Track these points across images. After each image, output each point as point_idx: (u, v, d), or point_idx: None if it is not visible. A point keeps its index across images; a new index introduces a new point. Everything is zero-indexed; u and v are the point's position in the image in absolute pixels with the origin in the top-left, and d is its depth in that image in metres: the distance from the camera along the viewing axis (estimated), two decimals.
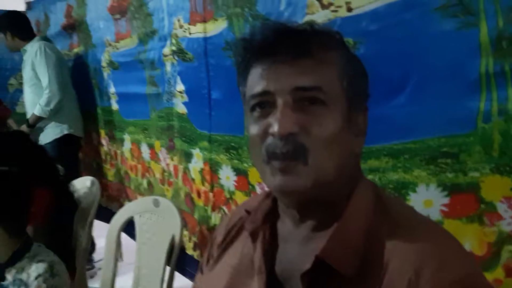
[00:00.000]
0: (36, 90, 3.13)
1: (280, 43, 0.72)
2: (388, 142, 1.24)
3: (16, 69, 3.98)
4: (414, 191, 1.21)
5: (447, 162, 1.12)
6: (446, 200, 1.14)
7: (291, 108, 0.70)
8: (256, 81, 0.74)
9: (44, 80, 3.05)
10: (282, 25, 0.75)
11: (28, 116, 3.22)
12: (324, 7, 1.36)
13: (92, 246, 3.21)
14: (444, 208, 1.15)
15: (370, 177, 1.26)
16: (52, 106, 3.05)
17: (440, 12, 1.09)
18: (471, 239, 1.09)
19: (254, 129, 0.74)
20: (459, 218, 1.12)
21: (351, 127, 0.74)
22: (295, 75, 0.71)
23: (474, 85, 1.06)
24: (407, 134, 1.19)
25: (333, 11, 1.34)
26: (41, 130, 3.16)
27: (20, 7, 4.39)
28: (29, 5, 4.27)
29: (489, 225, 1.08)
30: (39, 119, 3.10)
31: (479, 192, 1.08)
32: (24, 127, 3.11)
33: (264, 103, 0.73)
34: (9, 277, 1.41)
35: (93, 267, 3.23)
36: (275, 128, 0.69)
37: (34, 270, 1.39)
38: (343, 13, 1.31)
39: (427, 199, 1.18)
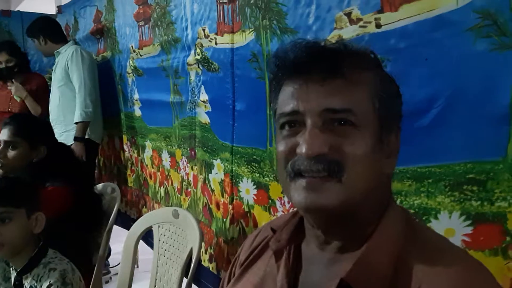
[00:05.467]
0: (65, 91, 3.18)
1: (312, 62, 0.71)
2: (412, 164, 1.20)
3: (44, 71, 4.06)
4: (436, 218, 1.16)
5: (473, 189, 1.08)
6: (469, 230, 1.10)
7: (320, 129, 0.69)
8: (287, 99, 0.73)
9: (78, 82, 3.10)
10: (315, 43, 0.74)
11: (51, 116, 3.27)
12: (352, 22, 1.34)
13: (108, 251, 3.23)
14: (466, 238, 1.10)
15: None
16: (91, 107, 3.09)
17: (473, 32, 1.05)
18: (493, 273, 1.03)
19: (281, 146, 0.74)
20: (482, 250, 1.07)
21: (383, 148, 0.73)
22: (325, 96, 0.69)
23: (505, 110, 1.02)
24: (432, 157, 1.15)
25: (361, 26, 1.32)
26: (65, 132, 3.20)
27: (51, 10, 4.48)
28: (59, 9, 4.36)
29: None
30: (84, 126, 3.09)
31: (506, 224, 1.03)
32: (75, 146, 3.03)
33: (294, 122, 0.72)
34: (26, 284, 1.42)
35: (108, 272, 3.25)
36: (302, 148, 0.69)
37: (46, 279, 1.39)
38: (371, 29, 1.29)
39: (449, 228, 1.13)
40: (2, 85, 3.61)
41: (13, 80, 3.47)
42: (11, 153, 1.94)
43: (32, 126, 2.03)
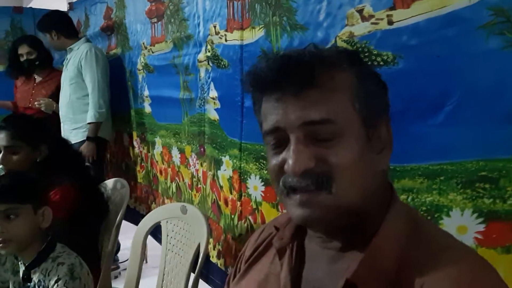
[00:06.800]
0: (76, 89, 3.19)
1: (283, 77, 0.70)
2: (424, 162, 1.19)
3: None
4: (448, 215, 1.16)
5: (485, 187, 1.07)
6: (481, 227, 1.09)
7: (304, 143, 0.69)
8: (267, 116, 0.74)
9: (91, 82, 3.11)
10: (284, 57, 0.73)
11: (61, 112, 3.28)
12: (364, 19, 1.33)
13: (117, 246, 3.24)
14: (478, 236, 1.09)
15: (402, 197, 1.23)
16: (104, 107, 3.12)
17: (485, 30, 1.04)
18: (506, 270, 1.03)
19: (271, 163, 0.74)
20: (494, 248, 1.07)
21: (372, 146, 0.72)
22: (302, 109, 0.69)
23: None
24: (444, 154, 1.15)
25: (373, 23, 1.31)
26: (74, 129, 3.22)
27: (63, 7, 4.49)
28: (71, 6, 4.37)
29: None
30: (97, 126, 3.12)
31: None
32: (86, 146, 3.08)
33: (278, 138, 0.73)
34: (34, 278, 1.43)
35: (117, 267, 3.26)
36: (289, 166, 0.69)
37: (55, 273, 1.40)
38: (383, 25, 1.28)
39: (461, 225, 1.13)
40: (24, 81, 3.62)
41: (39, 99, 3.42)
42: (13, 158, 1.89)
43: (29, 127, 1.97)
